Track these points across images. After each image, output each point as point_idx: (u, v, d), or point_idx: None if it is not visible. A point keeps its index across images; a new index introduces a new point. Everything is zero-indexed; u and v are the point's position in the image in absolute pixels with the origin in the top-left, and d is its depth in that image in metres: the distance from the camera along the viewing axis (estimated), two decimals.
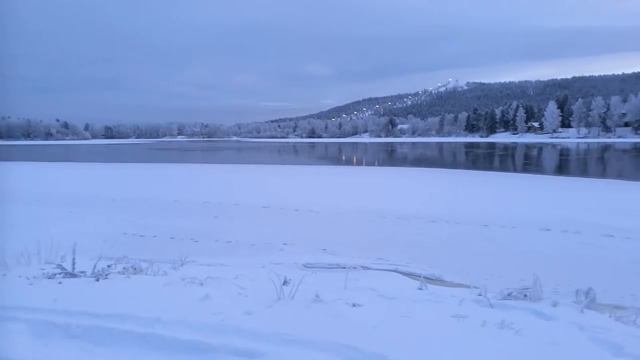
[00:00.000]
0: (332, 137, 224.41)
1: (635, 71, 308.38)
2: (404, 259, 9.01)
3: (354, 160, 59.26)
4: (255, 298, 5.06)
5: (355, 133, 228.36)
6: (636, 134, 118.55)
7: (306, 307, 4.76)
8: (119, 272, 6.16)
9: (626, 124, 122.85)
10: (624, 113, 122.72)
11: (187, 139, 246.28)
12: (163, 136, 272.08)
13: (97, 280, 5.63)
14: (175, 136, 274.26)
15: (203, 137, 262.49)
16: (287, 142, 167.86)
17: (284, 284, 5.66)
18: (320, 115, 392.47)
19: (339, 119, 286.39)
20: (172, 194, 19.53)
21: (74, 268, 5.96)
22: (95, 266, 6.06)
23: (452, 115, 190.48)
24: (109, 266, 6.26)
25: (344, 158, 64.33)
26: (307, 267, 8.13)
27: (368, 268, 8.11)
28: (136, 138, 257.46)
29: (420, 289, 6.36)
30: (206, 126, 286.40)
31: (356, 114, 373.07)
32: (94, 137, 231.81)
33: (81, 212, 14.73)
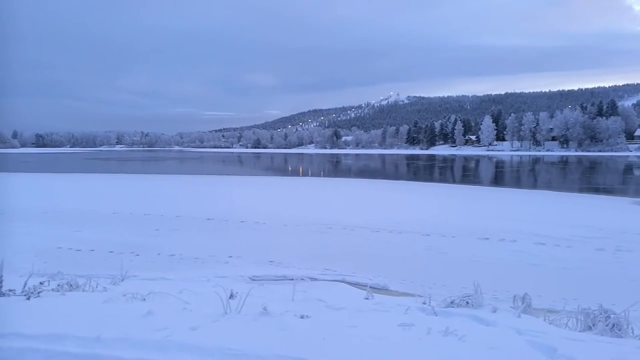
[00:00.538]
0: (278, 147, 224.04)
1: (560, 89, 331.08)
2: (350, 269, 9.10)
3: (300, 171, 59.43)
4: (200, 313, 4.92)
5: (301, 144, 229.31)
6: (562, 147, 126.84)
7: (254, 320, 4.69)
8: (53, 290, 5.81)
9: (553, 138, 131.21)
10: (551, 128, 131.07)
11: (126, 149, 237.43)
12: (100, 145, 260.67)
13: (28, 298, 5.27)
14: (114, 145, 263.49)
15: (143, 147, 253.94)
16: (232, 153, 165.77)
17: (230, 297, 5.56)
18: (266, 126, 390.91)
19: (284, 130, 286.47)
20: (110, 205, 18.71)
21: (1, 286, 5.55)
22: (25, 284, 5.67)
23: (394, 128, 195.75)
24: (41, 283, 5.88)
25: (290, 169, 64.36)
26: (253, 279, 8.02)
27: (315, 279, 8.12)
28: (71, 147, 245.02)
29: (366, 298, 6.45)
30: (147, 135, 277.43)
31: (302, 125, 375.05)
32: (23, 145, 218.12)
33: (8, 226, 13.79)
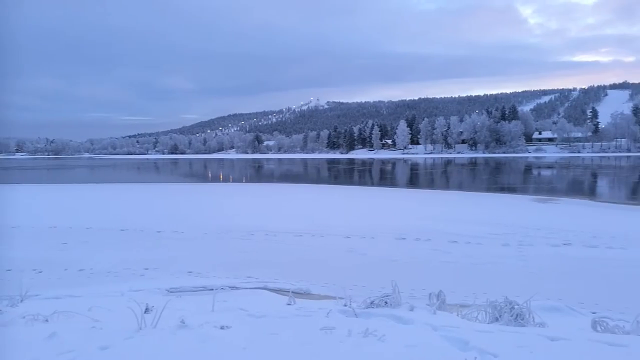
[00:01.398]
0: (197, 153, 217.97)
1: (468, 95, 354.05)
2: (272, 276, 9.03)
3: (221, 176, 58.23)
4: (112, 330, 4.62)
5: (221, 149, 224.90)
6: (471, 149, 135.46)
7: (171, 334, 4.48)
8: None
9: (463, 141, 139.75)
10: (461, 131, 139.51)
11: (28, 157, 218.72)
12: None
13: None
14: (14, 153, 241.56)
15: (48, 154, 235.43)
16: (147, 159, 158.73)
17: (145, 312, 5.28)
18: (184, 131, 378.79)
19: (203, 135, 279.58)
20: (9, 219, 17.12)
21: None
22: None
23: (315, 132, 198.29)
24: None
25: (210, 175, 62.84)
26: (171, 292, 7.69)
27: (237, 288, 7.95)
28: None
29: (289, 304, 6.41)
30: (52, 142, 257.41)
31: (221, 130, 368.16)
32: None
33: None
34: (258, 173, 64.93)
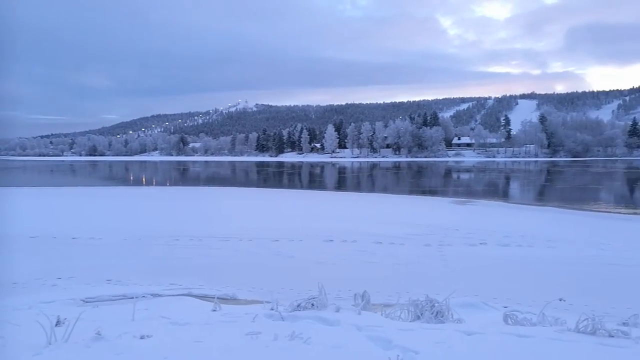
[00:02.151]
0: (117, 155, 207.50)
1: (393, 101, 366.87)
2: (197, 282, 8.77)
3: (143, 179, 55.84)
4: (17, 347, 4.25)
5: (143, 151, 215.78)
6: (395, 154, 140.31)
7: (85, 347, 4.21)
8: None
9: (388, 146, 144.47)
10: (385, 136, 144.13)
11: None
12: None
13: None
14: None
15: None
16: (63, 161, 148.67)
17: (56, 324, 4.92)
18: (103, 132, 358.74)
19: (124, 136, 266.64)
20: None
21: None
22: None
23: (243, 135, 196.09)
24: None
25: (131, 177, 60.02)
26: (86, 302, 7.23)
27: (159, 295, 7.63)
28: None
29: (214, 310, 6.26)
30: None
31: (144, 131, 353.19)
32: None
33: None
34: (183, 176, 63.02)
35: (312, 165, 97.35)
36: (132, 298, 6.96)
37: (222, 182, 49.01)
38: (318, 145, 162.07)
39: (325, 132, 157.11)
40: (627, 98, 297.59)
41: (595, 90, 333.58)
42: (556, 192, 34.98)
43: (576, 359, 4.06)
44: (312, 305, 5.80)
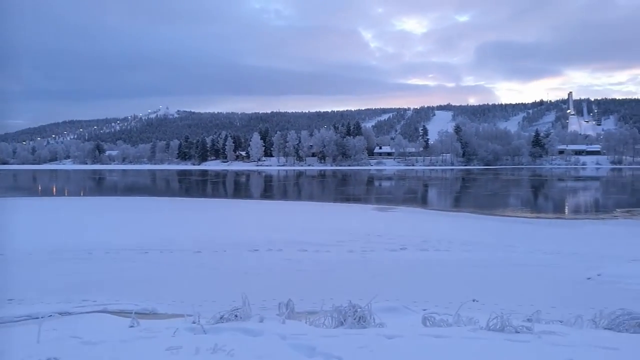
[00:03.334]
0: (24, 163, 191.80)
1: (317, 111, 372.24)
2: (114, 297, 8.29)
3: (53, 189, 52.06)
4: None
5: (54, 159, 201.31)
6: (320, 162, 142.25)
7: None
8: None
9: (313, 154, 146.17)
10: (311, 145, 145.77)
11: None
12: None
13: None
14: None
15: None
16: None
17: None
18: (7, 138, 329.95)
19: (32, 143, 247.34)
20: None
21: None
22: None
23: (164, 142, 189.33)
24: None
25: (38, 187, 55.73)
26: None
27: (69, 313, 7.12)
28: None
29: (131, 326, 5.94)
30: None
31: (55, 138, 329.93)
32: None
33: None
34: (99, 185, 59.60)
35: (237, 173, 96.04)
36: (38, 318, 6.44)
37: (141, 191, 46.89)
38: (243, 153, 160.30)
39: (250, 140, 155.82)
40: (530, 111, 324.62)
41: (503, 103, 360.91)
42: (470, 199, 37.20)
43: (486, 355, 4.32)
44: (236, 316, 5.69)
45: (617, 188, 49.58)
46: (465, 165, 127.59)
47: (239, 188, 53.49)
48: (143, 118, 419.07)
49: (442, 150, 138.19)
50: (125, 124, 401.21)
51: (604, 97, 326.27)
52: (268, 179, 72.35)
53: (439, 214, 24.00)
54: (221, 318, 5.65)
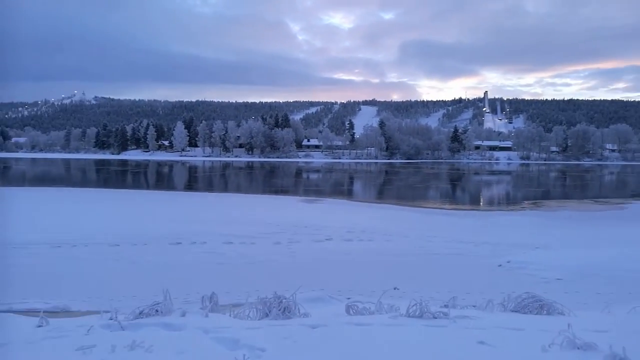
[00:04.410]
0: None
1: (245, 101, 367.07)
2: (20, 295, 7.68)
3: None
4: None
5: None
6: (248, 153, 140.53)
7: None
8: None
9: (240, 145, 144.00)
10: (238, 136, 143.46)
11: None
12: None
13: None
14: None
15: None
16: None
17: None
18: None
19: None
20: None
21: None
22: None
23: (80, 130, 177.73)
24: None
25: None
26: None
27: None
28: None
29: (39, 326, 5.53)
30: None
31: None
32: None
33: None
34: (2, 175, 54.81)
35: (159, 164, 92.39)
36: None
37: (53, 182, 43.72)
38: (166, 143, 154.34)
39: (174, 130, 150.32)
40: (450, 108, 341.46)
41: (425, 100, 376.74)
42: (393, 191, 38.52)
43: (405, 340, 4.50)
44: (157, 311, 5.47)
45: (525, 182, 53.59)
46: (389, 159, 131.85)
47: (162, 179, 51.52)
48: (56, 104, 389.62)
49: (367, 144, 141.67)
50: (35, 110, 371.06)
51: (515, 97, 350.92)
52: (193, 170, 70.32)
53: (364, 206, 24.62)
54: (140, 313, 5.41)
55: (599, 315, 5.95)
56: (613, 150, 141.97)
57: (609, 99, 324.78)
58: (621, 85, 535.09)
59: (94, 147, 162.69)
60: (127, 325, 5.00)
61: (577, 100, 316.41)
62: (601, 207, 25.75)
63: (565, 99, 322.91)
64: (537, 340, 4.20)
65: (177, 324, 4.98)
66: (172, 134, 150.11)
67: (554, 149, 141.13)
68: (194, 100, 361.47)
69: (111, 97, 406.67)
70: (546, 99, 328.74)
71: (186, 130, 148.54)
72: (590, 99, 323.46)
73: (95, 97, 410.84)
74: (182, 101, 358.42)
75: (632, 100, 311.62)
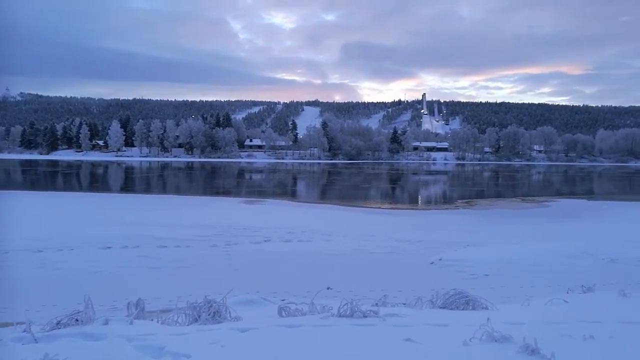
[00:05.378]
0: None
1: (185, 100, 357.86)
2: None
3: None
4: None
5: None
6: (188, 154, 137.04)
7: None
8: None
9: (180, 145, 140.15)
10: (177, 135, 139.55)
11: None
12: None
13: None
14: None
15: None
16: None
17: None
18: None
19: None
20: None
21: None
22: None
23: (4, 128, 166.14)
24: None
25: None
26: None
27: None
28: None
29: None
30: None
31: None
32: None
33: None
34: None
35: (93, 164, 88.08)
36: None
37: None
38: (101, 142, 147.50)
39: (109, 129, 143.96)
40: (390, 110, 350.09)
41: (366, 102, 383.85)
42: (335, 191, 38.91)
43: (335, 340, 4.52)
44: (77, 320, 5.17)
45: (460, 181, 55.85)
46: (331, 160, 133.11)
47: (96, 180, 49.13)
48: None
49: (310, 145, 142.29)
50: None
51: (451, 100, 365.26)
52: (129, 171, 67.62)
53: (305, 206, 24.68)
54: (58, 324, 5.09)
55: (519, 308, 6.27)
56: (540, 151, 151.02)
57: (536, 102, 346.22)
58: (546, 89, 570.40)
59: (19, 147, 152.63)
60: (41, 337, 4.69)
61: (508, 103, 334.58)
62: (528, 205, 27.30)
63: (498, 101, 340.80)
64: (460, 335, 4.34)
65: (98, 333, 4.73)
66: (107, 134, 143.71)
67: (487, 149, 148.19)
68: (130, 98, 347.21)
69: (39, 93, 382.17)
70: (480, 102, 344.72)
71: (122, 129, 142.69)
72: (519, 102, 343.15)
73: (21, 93, 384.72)
74: (119, 99, 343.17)
75: (557, 104, 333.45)
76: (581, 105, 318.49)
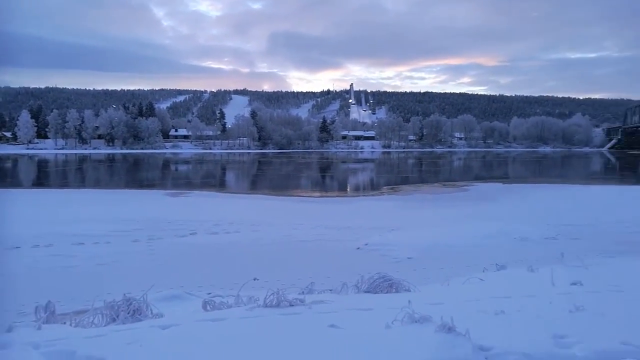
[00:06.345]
0: None
1: (104, 88, 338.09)
2: None
3: None
4: None
5: None
6: (108, 145, 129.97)
7: None
8: None
9: (100, 136, 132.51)
10: (97, 126, 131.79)
11: None
12: None
13: None
14: None
15: None
16: None
17: None
18: None
19: None
20: None
21: None
22: None
23: None
24: None
25: None
26: None
27: None
28: None
29: None
30: None
31: None
32: None
33: None
34: None
35: (0, 158, 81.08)
36: None
37: None
38: (9, 134, 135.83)
39: (18, 119, 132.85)
40: (319, 99, 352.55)
41: (295, 91, 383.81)
42: (265, 181, 38.65)
43: (261, 331, 4.47)
44: None
45: (386, 168, 57.53)
46: (261, 149, 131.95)
47: (2, 175, 45.30)
48: None
49: (239, 134, 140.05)
50: None
51: (377, 90, 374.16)
52: (43, 164, 62.98)
53: (233, 197, 24.29)
54: None
55: (439, 288, 6.56)
56: (460, 138, 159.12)
57: (457, 92, 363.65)
58: (466, 80, 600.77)
59: None
60: None
61: (431, 92, 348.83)
62: (449, 189, 28.66)
63: (422, 91, 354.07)
64: (383, 318, 4.45)
65: (1, 340, 4.35)
66: (16, 124, 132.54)
67: (411, 137, 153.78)
68: (43, 87, 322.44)
69: None
70: (405, 92, 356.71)
71: (33, 120, 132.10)
72: (442, 91, 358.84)
73: None
74: (29, 88, 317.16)
75: (475, 93, 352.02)
76: (497, 95, 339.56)
